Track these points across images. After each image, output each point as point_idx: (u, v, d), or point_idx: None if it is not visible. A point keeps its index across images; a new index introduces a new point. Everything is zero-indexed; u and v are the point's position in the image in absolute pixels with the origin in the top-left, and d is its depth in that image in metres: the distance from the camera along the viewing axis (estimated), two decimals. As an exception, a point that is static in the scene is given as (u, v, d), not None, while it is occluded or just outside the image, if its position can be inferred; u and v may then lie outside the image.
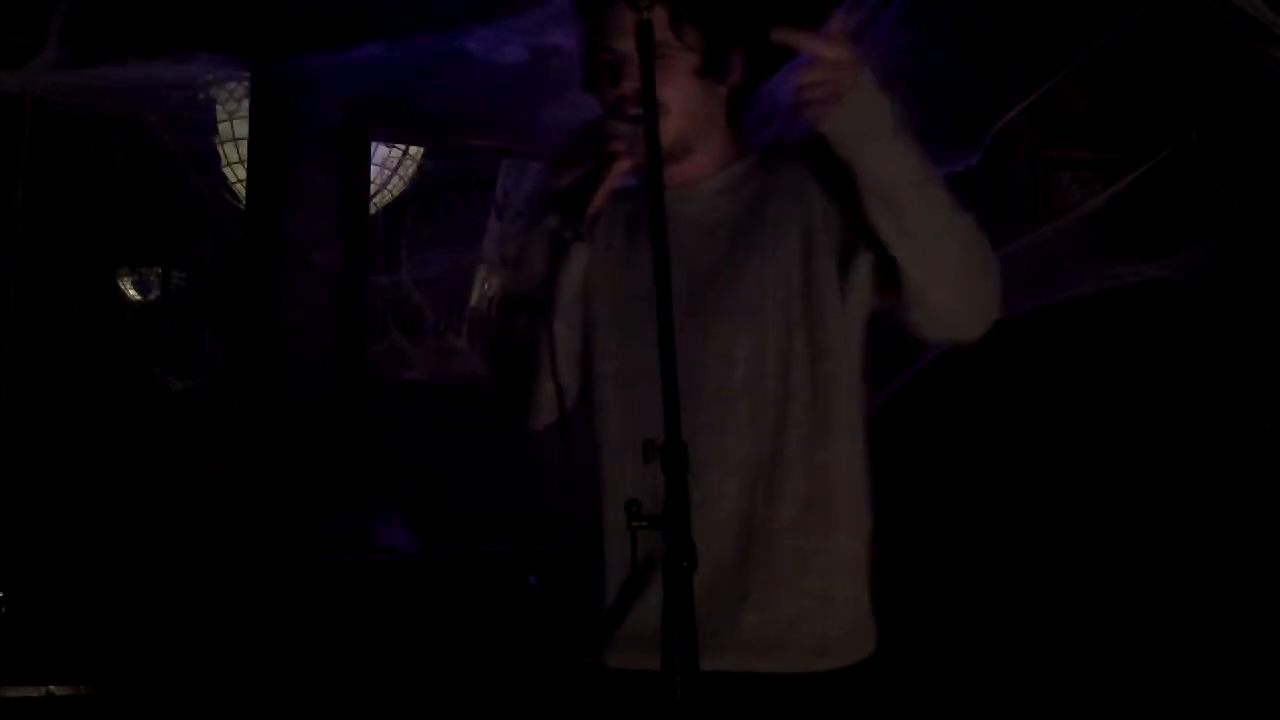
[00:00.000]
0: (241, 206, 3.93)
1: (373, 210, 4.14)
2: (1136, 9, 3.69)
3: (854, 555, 1.79)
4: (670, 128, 1.76)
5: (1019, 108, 4.08)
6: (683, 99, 1.81)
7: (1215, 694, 3.71)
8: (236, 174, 3.94)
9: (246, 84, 3.92)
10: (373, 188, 4.13)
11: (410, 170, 4.21)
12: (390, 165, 4.17)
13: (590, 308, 1.87)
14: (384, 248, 4.16)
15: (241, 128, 3.93)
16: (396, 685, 3.39)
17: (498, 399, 1.94)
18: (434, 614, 3.48)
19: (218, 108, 3.93)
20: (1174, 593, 3.91)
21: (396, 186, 4.19)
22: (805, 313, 1.79)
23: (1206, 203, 3.93)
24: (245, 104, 3.92)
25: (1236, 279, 3.83)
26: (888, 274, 1.75)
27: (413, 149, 4.21)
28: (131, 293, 3.82)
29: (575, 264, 1.81)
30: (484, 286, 4.29)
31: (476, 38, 4.00)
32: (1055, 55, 4.08)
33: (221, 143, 3.94)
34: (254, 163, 3.92)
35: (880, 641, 1.81)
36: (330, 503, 3.75)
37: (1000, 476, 3.96)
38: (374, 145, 4.13)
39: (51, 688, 3.06)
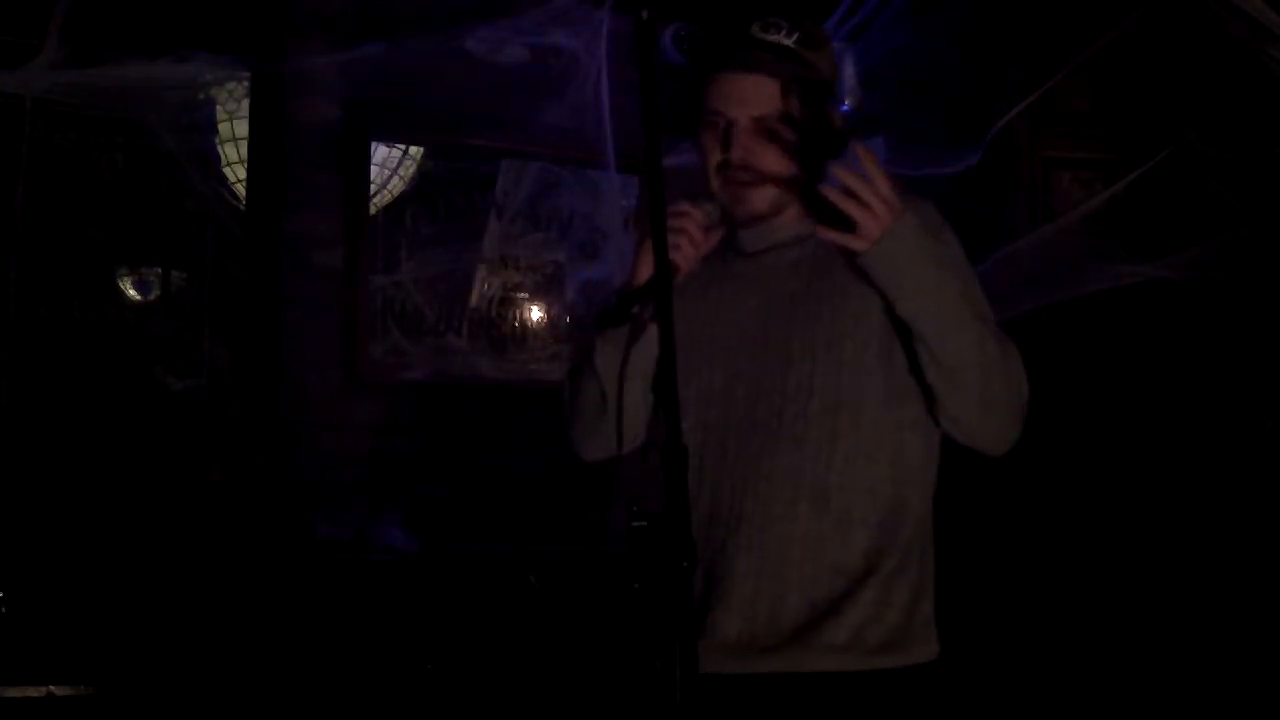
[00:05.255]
0: (241, 206, 3.93)
1: (373, 210, 4.13)
2: (1136, 9, 3.69)
3: (918, 573, 1.91)
4: (772, 193, 1.90)
5: (1019, 108, 4.08)
6: (785, 169, 1.90)
7: (1214, 693, 3.71)
8: (236, 174, 3.93)
9: (246, 84, 3.91)
10: (373, 188, 4.12)
11: (410, 170, 4.20)
12: (390, 165, 4.17)
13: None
14: (384, 248, 4.15)
15: (241, 128, 3.92)
16: (396, 684, 3.39)
17: (573, 437, 2.04)
18: (434, 614, 3.48)
19: (218, 108, 3.93)
20: (1171, 593, 3.91)
21: (396, 186, 4.18)
22: (879, 357, 1.87)
23: (1206, 203, 3.93)
24: (245, 104, 3.92)
25: (1236, 279, 3.83)
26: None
27: (413, 149, 4.20)
28: (131, 293, 3.81)
29: (648, 341, 1.80)
30: (484, 286, 4.29)
31: (476, 38, 4.00)
32: (1055, 55, 4.08)
33: (221, 143, 3.93)
34: (254, 163, 3.92)
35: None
36: (330, 503, 3.75)
37: (997, 477, 3.96)
38: (374, 145, 4.13)
39: (51, 688, 3.06)
